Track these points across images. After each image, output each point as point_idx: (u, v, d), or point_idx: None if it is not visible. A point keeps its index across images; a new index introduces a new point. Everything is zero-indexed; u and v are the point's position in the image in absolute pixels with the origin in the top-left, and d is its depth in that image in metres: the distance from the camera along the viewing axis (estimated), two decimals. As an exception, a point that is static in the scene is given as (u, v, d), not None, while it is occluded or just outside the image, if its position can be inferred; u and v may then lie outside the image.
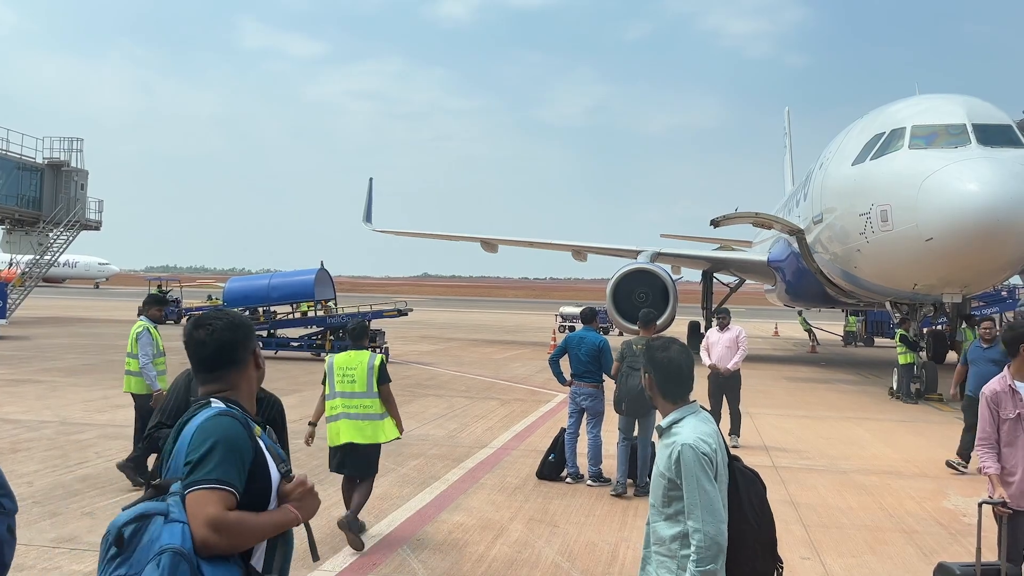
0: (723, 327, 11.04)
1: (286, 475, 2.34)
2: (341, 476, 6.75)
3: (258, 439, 2.32)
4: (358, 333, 6.89)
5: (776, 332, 40.02)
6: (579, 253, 31.57)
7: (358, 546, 6.09)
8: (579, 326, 9.59)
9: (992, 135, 13.80)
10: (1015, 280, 23.28)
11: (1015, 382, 4.97)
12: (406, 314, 23.67)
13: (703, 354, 10.99)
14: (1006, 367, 5.15)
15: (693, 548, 2.86)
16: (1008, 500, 4.85)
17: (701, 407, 3.17)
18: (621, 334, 24.79)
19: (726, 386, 10.81)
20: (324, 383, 6.69)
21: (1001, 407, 4.93)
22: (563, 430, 8.87)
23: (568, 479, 8.64)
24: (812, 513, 7.62)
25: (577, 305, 37.82)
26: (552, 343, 25.18)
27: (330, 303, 22.84)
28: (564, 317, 35.82)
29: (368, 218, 34.42)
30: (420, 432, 11.01)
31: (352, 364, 6.62)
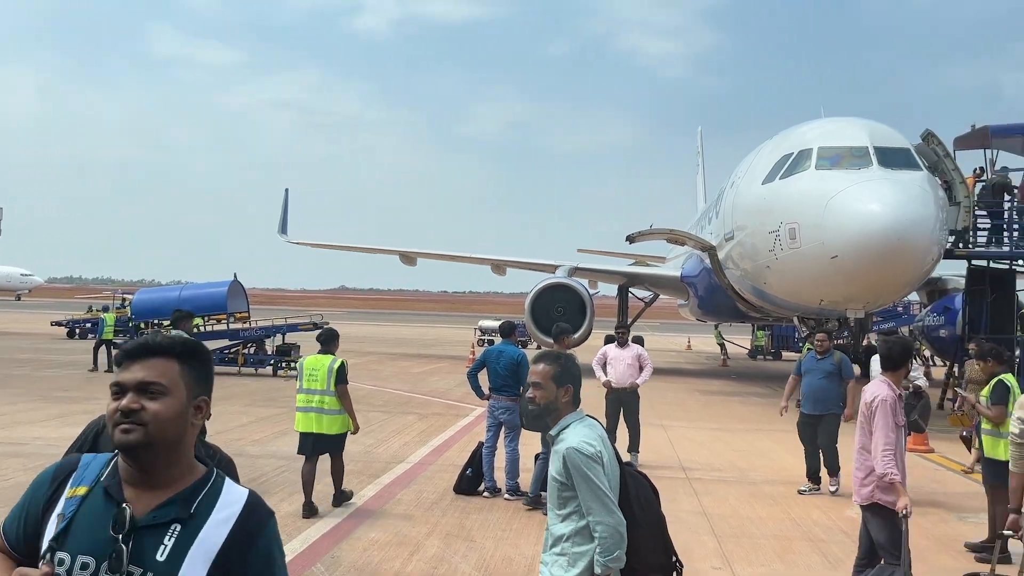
0: (622, 344, 10.81)
1: (45, 555, 1.76)
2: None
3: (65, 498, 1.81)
4: (325, 339, 8.26)
5: (689, 346, 40.88)
6: (498, 267, 31.69)
7: (310, 512, 7.48)
8: (498, 340, 9.63)
9: (892, 158, 14.44)
10: (912, 296, 24.38)
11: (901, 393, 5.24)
12: (321, 327, 23.27)
13: (596, 369, 10.72)
14: (881, 374, 5.40)
15: (597, 539, 3.11)
16: (907, 505, 5.07)
17: (588, 415, 3.42)
18: (539, 348, 24.94)
19: (625, 403, 10.56)
20: (297, 380, 8.03)
21: (896, 414, 5.16)
22: (481, 444, 8.87)
23: (486, 493, 8.63)
24: (724, 524, 7.78)
25: (496, 319, 37.91)
26: (471, 357, 25.17)
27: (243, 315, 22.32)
28: (483, 331, 35.83)
29: (284, 229, 33.83)
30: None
31: (317, 366, 7.92)
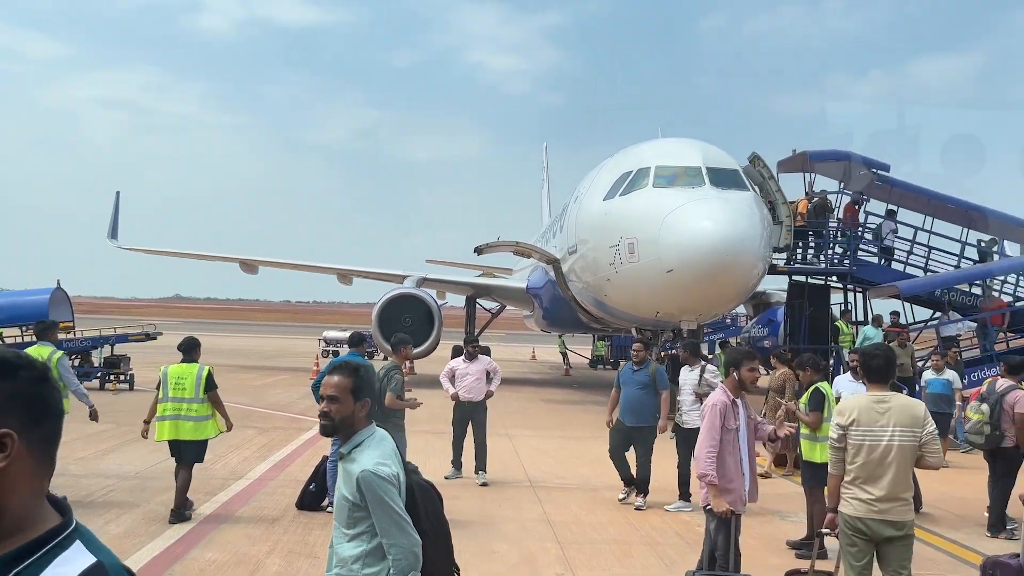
0: (472, 357, 10.60)
1: None
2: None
3: None
4: (187, 347, 8.38)
5: (534, 356, 41.65)
6: (344, 277, 31.19)
7: (177, 519, 7.65)
8: (343, 351, 9.49)
9: (723, 178, 15.31)
10: (739, 309, 25.88)
11: (737, 401, 5.57)
12: (155, 338, 22.15)
13: (445, 382, 10.64)
14: (721, 382, 5.76)
15: (391, 561, 3.05)
16: (730, 510, 5.39)
17: (379, 427, 3.34)
18: (386, 358, 24.71)
19: (474, 417, 10.41)
20: (158, 388, 8.08)
21: (727, 419, 5.48)
22: (325, 458, 8.69)
23: (329, 508, 8.46)
24: (566, 531, 7.98)
25: (341, 329, 37.25)
26: (315, 369, 24.59)
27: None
28: (327, 342, 35.07)
29: (114, 234, 31.90)
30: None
31: (184, 374, 8.08)
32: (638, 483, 9.20)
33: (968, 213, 19.23)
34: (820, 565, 5.57)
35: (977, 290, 19.30)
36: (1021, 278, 19.65)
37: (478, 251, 20.14)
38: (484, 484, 9.97)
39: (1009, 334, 18.70)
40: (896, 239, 19.20)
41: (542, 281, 23.86)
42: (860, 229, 18.96)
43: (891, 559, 4.83)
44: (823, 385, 7.71)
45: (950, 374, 13.00)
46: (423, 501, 3.25)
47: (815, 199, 18.73)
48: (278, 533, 7.54)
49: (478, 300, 30.46)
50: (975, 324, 18.35)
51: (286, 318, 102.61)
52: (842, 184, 19.50)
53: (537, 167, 46.07)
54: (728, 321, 29.11)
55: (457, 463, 10.33)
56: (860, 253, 18.88)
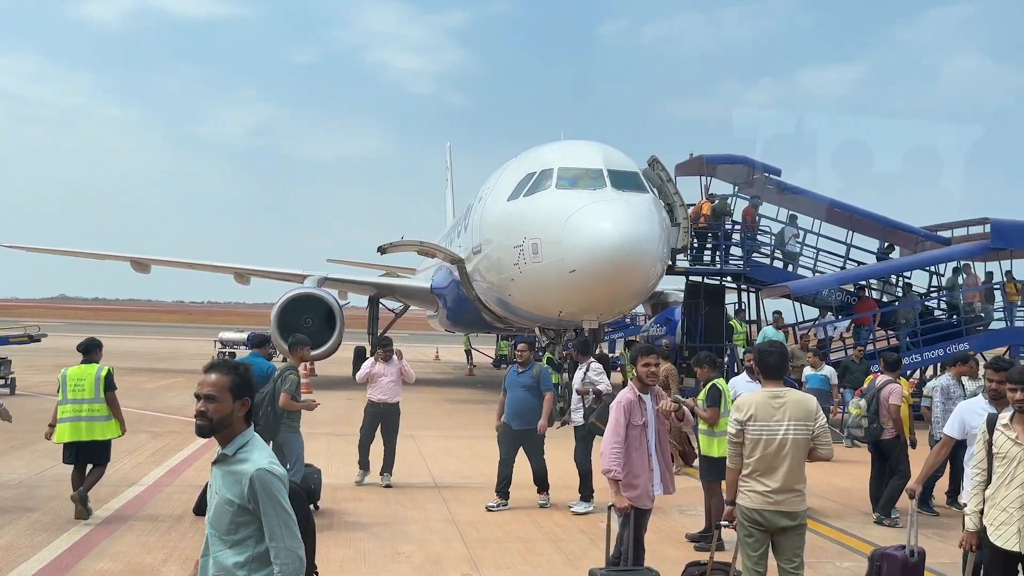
0: (387, 359, 10.38)
1: None
2: None
3: None
4: (87, 347, 8.32)
5: (437, 356, 41.52)
6: (242, 276, 30.35)
7: (83, 516, 7.70)
8: (240, 352, 9.27)
9: (623, 180, 15.59)
10: (638, 309, 26.47)
11: (643, 396, 5.67)
12: (38, 340, 21.10)
13: (367, 385, 10.37)
14: (630, 381, 5.85)
15: (278, 566, 2.98)
16: (631, 505, 5.51)
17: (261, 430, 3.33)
18: (285, 360, 24.20)
19: (386, 419, 10.19)
20: (59, 392, 8.11)
21: (632, 415, 5.59)
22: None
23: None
24: (472, 529, 8.00)
25: (238, 330, 36.19)
26: (211, 371, 23.83)
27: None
28: (224, 343, 34.07)
29: (-8, 231, 30.21)
30: (55, 472, 9.82)
31: (83, 375, 8.13)
32: (537, 482, 9.17)
33: (853, 217, 20.18)
34: (719, 556, 5.74)
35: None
36: (901, 279, 20.74)
37: (381, 250, 19.93)
38: (388, 486, 9.88)
39: (889, 331, 19.72)
40: (798, 244, 20.06)
41: (446, 281, 23.80)
42: (755, 231, 19.65)
43: (785, 548, 5.03)
44: (719, 382, 7.95)
45: (827, 370, 13.64)
46: (297, 501, 3.20)
47: (716, 202, 19.33)
48: (174, 540, 7.31)
49: (381, 300, 30.14)
50: (847, 324, 19.30)
51: (179, 319, 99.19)
52: (737, 187, 20.18)
53: (441, 167, 45.94)
54: (628, 320, 29.72)
55: (364, 463, 10.13)
56: (758, 256, 19.59)
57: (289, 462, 8.08)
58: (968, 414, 5.95)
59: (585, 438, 9.17)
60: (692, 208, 19.06)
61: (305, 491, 8.02)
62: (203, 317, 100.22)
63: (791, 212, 20.17)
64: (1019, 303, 18.88)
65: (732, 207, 19.55)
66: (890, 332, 19.74)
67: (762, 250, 19.80)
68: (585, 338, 11.93)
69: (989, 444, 4.89)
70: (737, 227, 19.46)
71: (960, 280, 19.62)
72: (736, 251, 19.49)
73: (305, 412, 8.48)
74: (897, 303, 19.80)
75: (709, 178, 20.04)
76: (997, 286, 19.25)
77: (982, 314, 19.16)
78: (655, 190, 16.82)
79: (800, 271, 19.90)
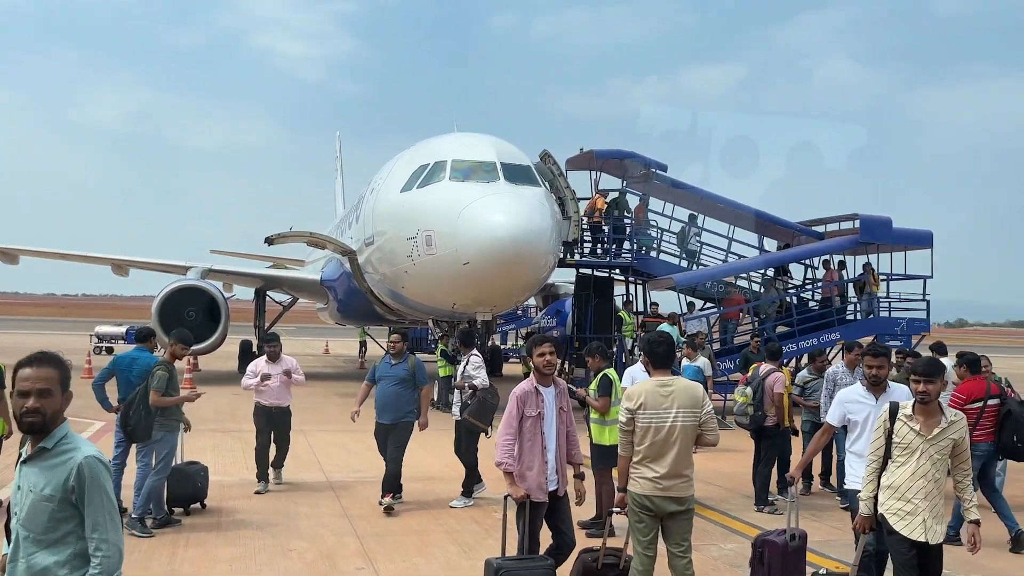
0: (274, 357, 9.76)
1: None
2: None
3: None
4: None
5: (327, 350, 40.84)
6: (120, 268, 29.01)
7: None
8: (119, 347, 8.88)
9: (516, 174, 15.71)
10: (530, 301, 26.77)
11: (538, 386, 5.71)
12: None
13: (250, 383, 9.65)
14: (531, 374, 5.88)
15: (100, 560, 2.89)
16: (526, 494, 5.55)
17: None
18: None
19: (278, 424, 9.73)
20: None
21: (527, 405, 5.63)
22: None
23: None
24: (365, 523, 7.93)
25: (116, 324, 34.69)
26: (87, 366, 22.76)
27: None
28: (100, 337, 32.62)
29: None
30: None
31: None
32: (386, 479, 8.54)
33: (734, 212, 20.97)
34: (610, 542, 5.88)
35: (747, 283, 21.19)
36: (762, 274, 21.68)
37: (269, 241, 19.45)
38: (279, 482, 9.67)
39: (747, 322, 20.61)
40: (699, 243, 20.75)
41: (337, 273, 23.42)
42: (643, 226, 20.17)
43: (674, 532, 5.21)
44: (610, 372, 8.14)
45: (701, 361, 14.16)
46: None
47: (612, 196, 19.79)
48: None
49: (268, 292, 29.38)
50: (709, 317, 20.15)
51: (52, 312, 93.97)
52: (624, 182, 20.65)
53: (331, 156, 45.09)
54: (520, 312, 29.97)
55: (264, 475, 9.41)
56: (650, 251, 20.16)
57: (156, 462, 7.74)
58: (848, 401, 5.93)
59: (469, 432, 9.06)
60: (587, 203, 19.44)
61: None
62: (78, 310, 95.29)
63: (691, 212, 20.92)
64: (879, 295, 20.00)
65: (618, 202, 20.02)
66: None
67: (653, 246, 20.36)
68: (468, 329, 11.43)
69: (889, 433, 5.01)
70: (627, 221, 19.94)
71: (819, 275, 20.79)
72: (627, 245, 19.98)
73: (191, 408, 8.20)
74: (758, 298, 20.70)
75: (598, 172, 20.42)
76: (859, 279, 20.34)
77: (850, 305, 20.27)
78: (547, 184, 17.03)
79: (686, 264, 20.55)
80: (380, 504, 8.50)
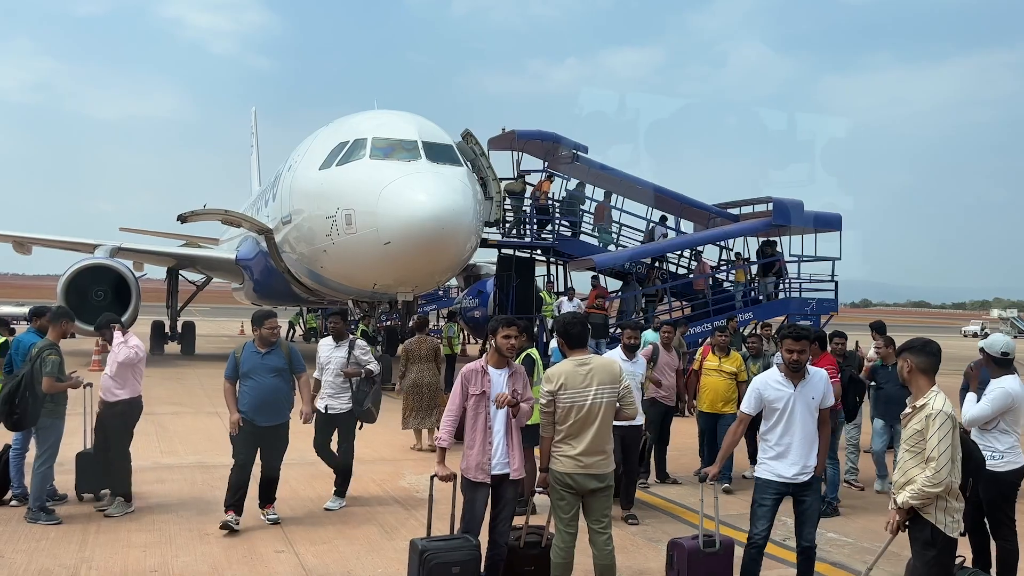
0: (107, 337, 7.98)
1: None
2: None
3: None
4: None
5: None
6: (22, 245, 27.77)
7: None
8: (21, 328, 8.48)
9: (438, 153, 15.61)
10: (452, 281, 26.70)
11: (488, 366, 5.61)
12: None
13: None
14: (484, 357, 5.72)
15: None
16: (452, 474, 5.51)
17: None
18: (74, 336, 22.46)
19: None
20: None
21: (471, 384, 5.48)
22: (7, 447, 7.77)
23: (13, 502, 7.60)
24: (285, 507, 7.80)
25: (18, 304, 33.29)
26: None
27: None
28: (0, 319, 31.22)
29: None
30: None
31: None
32: (264, 486, 7.47)
33: (652, 193, 21.33)
34: (533, 520, 5.95)
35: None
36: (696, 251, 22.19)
37: (182, 219, 18.89)
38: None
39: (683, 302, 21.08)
40: (616, 224, 21.09)
41: (253, 252, 22.91)
42: (557, 204, 20.36)
43: (595, 509, 5.30)
44: (533, 351, 8.19)
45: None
46: None
47: (514, 181, 19.97)
48: (-52, 536, 6.66)
49: (181, 272, 28.57)
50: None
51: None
52: (546, 163, 20.75)
53: (246, 132, 43.95)
54: (441, 293, 29.88)
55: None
56: (565, 229, 20.38)
57: (40, 450, 7.28)
58: (764, 388, 5.45)
59: (348, 427, 8.20)
60: (535, 186, 19.96)
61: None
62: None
63: (662, 213, 21.37)
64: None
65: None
66: (684, 303, 21.11)
67: (610, 241, 20.70)
68: (344, 309, 9.97)
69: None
70: (553, 203, 20.15)
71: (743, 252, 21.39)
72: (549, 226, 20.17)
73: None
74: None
75: (520, 153, 20.46)
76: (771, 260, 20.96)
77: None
78: (469, 163, 16.97)
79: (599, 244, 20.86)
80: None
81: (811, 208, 20.40)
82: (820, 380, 5.48)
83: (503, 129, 19.73)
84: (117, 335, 7.76)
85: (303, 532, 7.09)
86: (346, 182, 15.24)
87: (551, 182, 20.12)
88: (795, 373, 5.39)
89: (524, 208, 20.00)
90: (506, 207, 19.23)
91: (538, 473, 5.48)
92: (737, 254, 21.59)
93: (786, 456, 5.35)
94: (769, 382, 5.47)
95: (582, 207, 20.97)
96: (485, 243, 18.65)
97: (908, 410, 4.61)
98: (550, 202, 20.34)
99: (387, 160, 15.13)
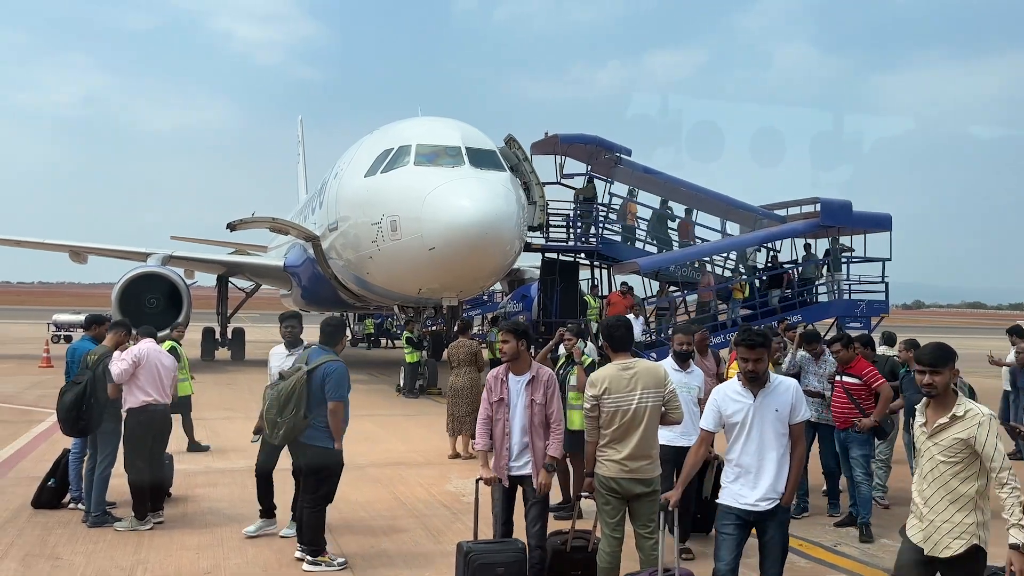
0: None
1: None
2: None
3: None
4: None
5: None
6: (78, 255, 28.48)
7: None
8: (77, 335, 8.69)
9: (481, 158, 15.68)
10: (496, 285, 26.74)
11: (508, 374, 5.73)
12: None
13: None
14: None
15: None
16: (495, 477, 5.61)
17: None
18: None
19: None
20: None
21: (492, 390, 5.69)
22: (67, 451, 7.99)
23: (72, 505, 7.81)
24: (334, 510, 7.85)
25: (75, 312, 34.08)
26: (45, 355, 22.36)
27: None
28: (58, 326, 32.12)
29: None
30: None
31: None
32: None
33: (698, 196, 21.13)
34: (579, 525, 5.95)
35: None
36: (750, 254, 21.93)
37: (231, 227, 19.23)
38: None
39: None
40: (672, 230, 21.00)
41: (301, 259, 23.23)
42: (605, 209, 20.27)
43: (640, 514, 5.28)
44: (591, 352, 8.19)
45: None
46: None
47: (586, 184, 20.03)
48: (12, 535, 6.88)
49: (231, 279, 29.09)
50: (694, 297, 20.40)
51: (8, 300, 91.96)
52: (589, 167, 20.69)
53: (293, 141, 44.59)
54: (485, 298, 29.94)
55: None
56: (609, 233, 20.28)
57: (101, 455, 7.41)
58: (722, 400, 4.91)
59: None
60: (622, 206, 20.28)
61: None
62: (34, 298, 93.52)
63: (662, 198, 21.13)
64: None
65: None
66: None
67: (613, 228, 20.46)
68: (297, 312, 8.17)
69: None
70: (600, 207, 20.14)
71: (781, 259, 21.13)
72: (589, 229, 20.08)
73: None
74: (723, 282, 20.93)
75: (563, 157, 20.43)
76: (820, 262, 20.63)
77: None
78: (512, 168, 17.02)
79: (650, 248, 20.69)
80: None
81: (860, 208, 20.05)
82: (786, 390, 4.83)
83: (546, 133, 19.72)
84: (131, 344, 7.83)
85: (352, 535, 7.17)
86: (391, 189, 15.39)
87: (636, 204, 20.31)
88: (752, 383, 4.80)
89: (593, 213, 20.03)
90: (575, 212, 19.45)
91: (584, 478, 5.49)
92: (741, 269, 21.29)
93: (743, 478, 4.75)
94: (728, 392, 4.90)
95: (670, 224, 20.98)
96: (529, 248, 18.66)
97: (944, 420, 4.18)
98: (637, 220, 20.58)
99: (431, 166, 15.25)
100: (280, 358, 7.43)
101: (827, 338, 8.76)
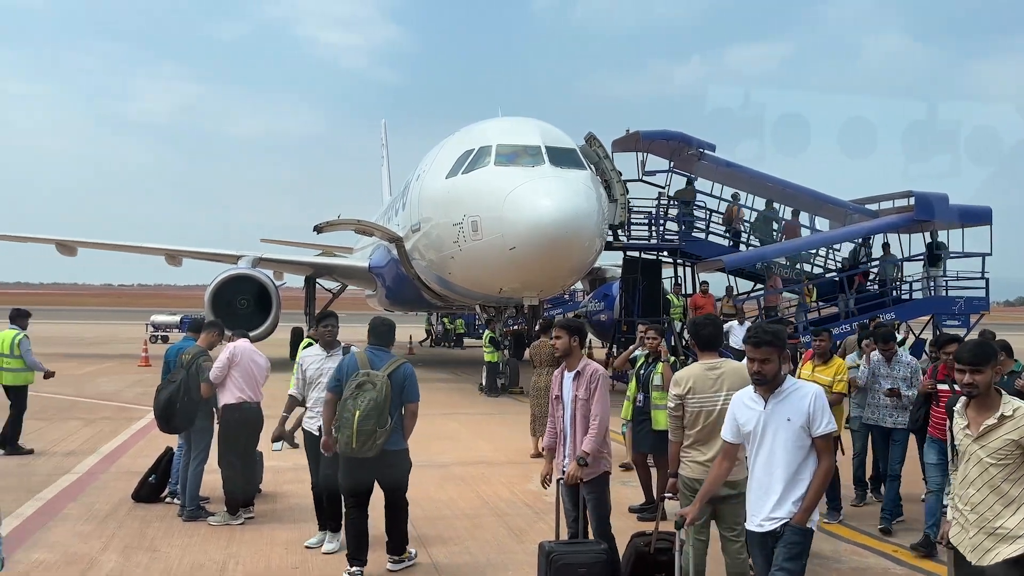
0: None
1: None
2: None
3: None
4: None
5: (410, 340, 41.16)
6: (173, 258, 29.61)
7: None
8: (173, 336, 9.00)
9: (561, 157, 15.63)
10: (577, 285, 26.63)
11: (565, 372, 5.74)
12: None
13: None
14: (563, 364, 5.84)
15: None
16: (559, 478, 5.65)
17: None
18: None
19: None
20: None
21: (553, 388, 5.83)
22: (170, 449, 8.27)
23: (169, 500, 8.09)
24: (417, 508, 7.92)
25: (171, 313, 35.42)
26: (144, 355, 23.28)
27: None
28: (156, 326, 33.37)
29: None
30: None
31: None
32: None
33: (784, 191, 20.60)
34: (663, 527, 5.85)
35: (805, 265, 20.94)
36: (833, 251, 21.29)
37: (317, 229, 19.68)
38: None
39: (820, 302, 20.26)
40: (746, 223, 20.64)
41: (385, 260, 23.61)
42: (691, 206, 19.96)
43: (726, 516, 5.15)
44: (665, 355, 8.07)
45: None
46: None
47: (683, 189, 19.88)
48: (112, 528, 7.15)
49: (318, 280, 29.77)
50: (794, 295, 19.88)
51: (108, 302, 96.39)
52: (672, 163, 20.39)
53: (376, 144, 45.38)
54: (567, 297, 29.86)
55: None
56: (695, 231, 19.98)
57: (195, 452, 7.65)
58: (737, 408, 4.49)
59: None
60: (726, 211, 20.26)
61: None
62: (133, 300, 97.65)
63: (767, 199, 20.82)
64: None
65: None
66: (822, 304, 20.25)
67: (697, 225, 20.13)
68: (333, 312, 8.33)
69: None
70: (675, 203, 19.80)
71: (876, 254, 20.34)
72: (672, 226, 19.79)
73: None
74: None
75: (645, 154, 20.20)
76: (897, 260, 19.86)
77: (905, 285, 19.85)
78: (592, 166, 16.92)
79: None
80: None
81: (957, 202, 19.21)
82: (803, 397, 4.28)
83: (627, 130, 19.52)
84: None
85: (436, 533, 7.23)
86: (472, 189, 15.49)
87: (742, 208, 20.09)
88: (761, 387, 4.34)
89: (694, 213, 19.85)
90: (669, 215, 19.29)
91: (668, 479, 5.40)
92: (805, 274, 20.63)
93: (754, 494, 4.34)
94: (743, 399, 4.47)
95: (775, 228, 20.64)
96: (610, 246, 18.53)
97: (992, 420, 3.94)
98: (744, 224, 20.46)
99: (511, 166, 15.28)
100: (319, 360, 7.04)
101: (934, 338, 8.27)
